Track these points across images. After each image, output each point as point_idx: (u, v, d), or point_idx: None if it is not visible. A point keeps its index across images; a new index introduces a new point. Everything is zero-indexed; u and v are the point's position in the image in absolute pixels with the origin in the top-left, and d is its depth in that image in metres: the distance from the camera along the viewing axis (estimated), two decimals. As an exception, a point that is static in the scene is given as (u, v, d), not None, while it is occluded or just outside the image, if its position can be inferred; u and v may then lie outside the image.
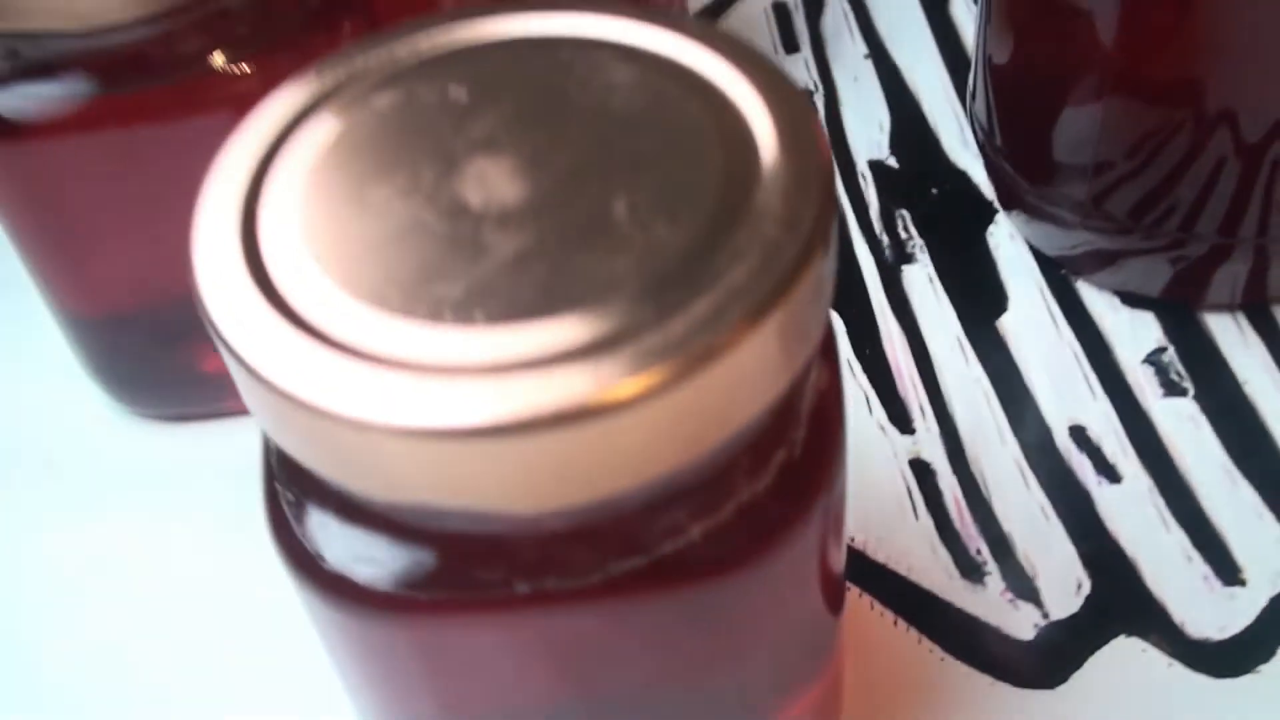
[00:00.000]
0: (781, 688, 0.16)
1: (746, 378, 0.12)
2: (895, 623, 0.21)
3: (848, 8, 0.32)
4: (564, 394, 0.11)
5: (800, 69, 0.30)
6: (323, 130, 0.14)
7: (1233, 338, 0.24)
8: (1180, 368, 0.24)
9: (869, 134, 0.29)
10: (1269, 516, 0.22)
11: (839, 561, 0.16)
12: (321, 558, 0.14)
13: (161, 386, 0.25)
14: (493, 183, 0.13)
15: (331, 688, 0.17)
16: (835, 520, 0.15)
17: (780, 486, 0.14)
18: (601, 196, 0.13)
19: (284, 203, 0.13)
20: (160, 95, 0.20)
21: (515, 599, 0.13)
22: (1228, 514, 0.22)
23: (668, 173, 0.13)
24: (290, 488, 0.14)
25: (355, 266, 0.12)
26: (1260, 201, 0.23)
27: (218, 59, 0.20)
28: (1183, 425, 0.23)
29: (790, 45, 0.31)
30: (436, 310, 0.12)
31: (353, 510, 0.13)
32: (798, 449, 0.14)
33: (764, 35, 0.31)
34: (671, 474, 0.12)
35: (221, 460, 0.23)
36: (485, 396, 0.11)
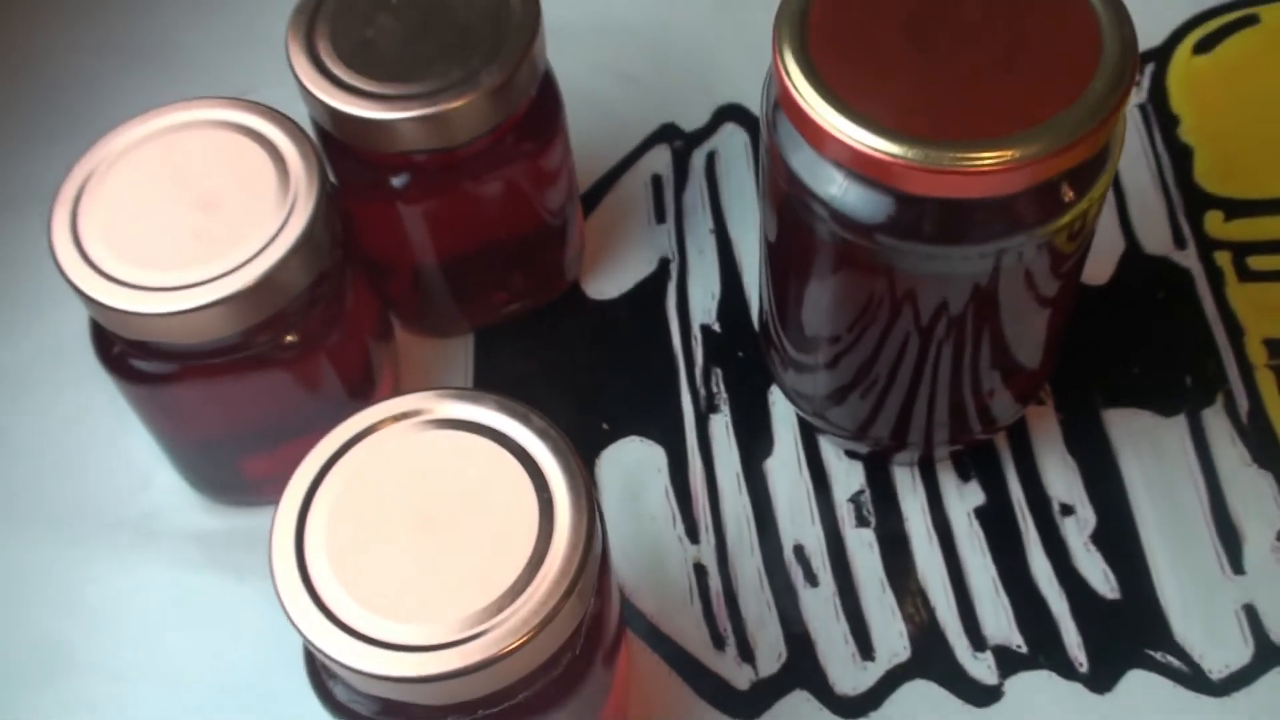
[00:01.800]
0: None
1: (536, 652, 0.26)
2: (669, 671, 0.35)
3: (704, 184, 0.44)
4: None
5: (664, 239, 0.43)
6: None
7: (906, 487, 0.38)
8: (870, 506, 0.38)
9: (704, 301, 0.42)
10: (899, 616, 0.36)
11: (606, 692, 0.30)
12: (338, 700, 0.28)
13: (218, 481, 0.39)
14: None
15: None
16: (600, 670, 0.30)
17: (573, 667, 0.28)
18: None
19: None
20: (234, 361, 0.33)
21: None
22: (875, 613, 0.36)
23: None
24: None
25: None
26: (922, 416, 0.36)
27: (283, 338, 0.33)
28: (862, 548, 0.37)
29: (660, 216, 0.44)
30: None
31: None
32: (578, 651, 0.28)
33: (644, 205, 0.44)
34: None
35: (251, 528, 0.37)
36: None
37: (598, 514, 0.28)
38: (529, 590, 0.26)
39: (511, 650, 0.26)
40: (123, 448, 0.39)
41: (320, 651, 0.26)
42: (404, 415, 0.29)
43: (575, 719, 0.30)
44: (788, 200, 0.32)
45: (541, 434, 0.28)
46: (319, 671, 0.29)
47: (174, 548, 0.38)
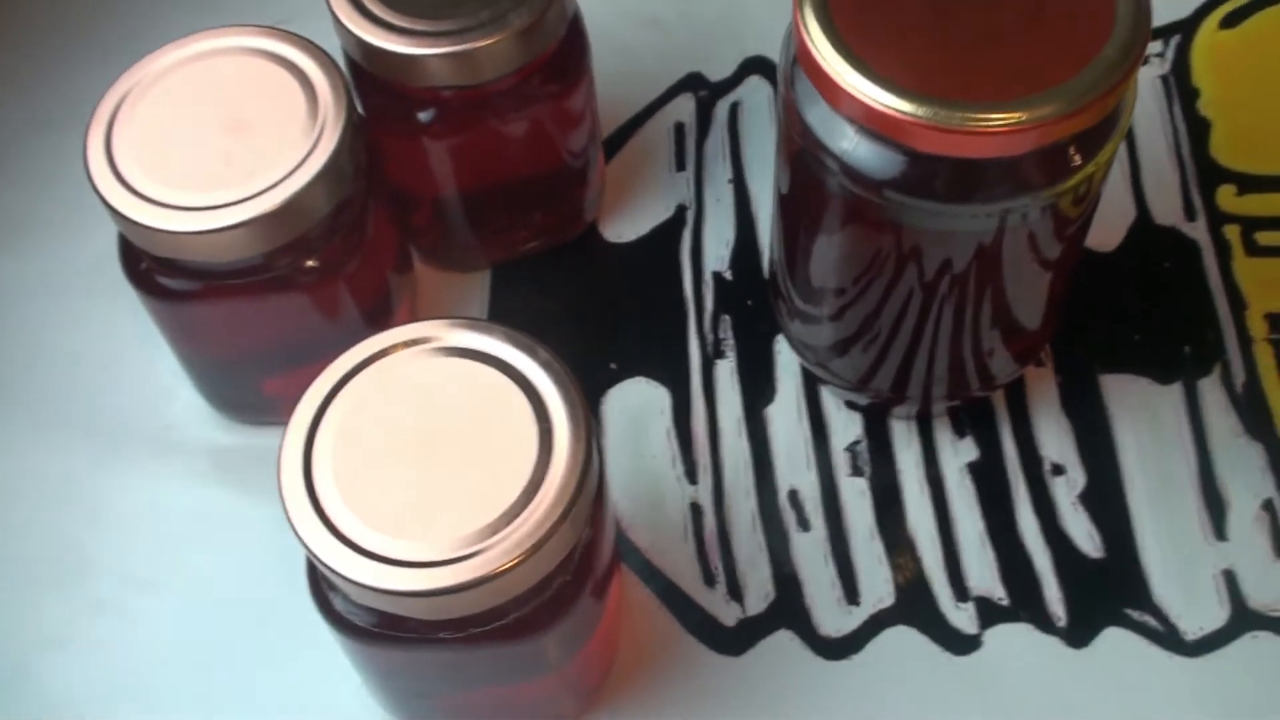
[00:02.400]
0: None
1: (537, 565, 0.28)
2: (660, 606, 0.37)
3: (726, 134, 0.45)
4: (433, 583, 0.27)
5: (683, 186, 0.44)
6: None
7: (902, 440, 0.39)
8: (866, 456, 0.39)
9: (718, 249, 0.42)
10: (886, 563, 0.37)
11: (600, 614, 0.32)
12: (336, 611, 0.29)
13: (236, 400, 0.40)
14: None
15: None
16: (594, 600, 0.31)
17: (562, 592, 0.29)
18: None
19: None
20: (256, 282, 0.34)
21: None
22: (863, 560, 0.37)
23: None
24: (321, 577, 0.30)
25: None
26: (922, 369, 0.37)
27: (304, 261, 0.34)
28: (854, 496, 0.38)
29: (680, 164, 0.44)
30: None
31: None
32: (569, 576, 0.29)
33: (665, 152, 0.45)
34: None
35: (267, 446, 0.38)
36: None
37: (595, 446, 0.29)
38: (525, 514, 0.28)
39: (504, 570, 0.27)
40: (148, 364, 0.41)
41: (321, 563, 0.27)
42: (413, 342, 0.30)
43: (563, 644, 0.31)
44: (801, 154, 0.33)
45: (545, 366, 0.29)
46: (320, 583, 0.30)
47: (191, 462, 0.39)
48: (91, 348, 0.41)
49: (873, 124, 0.30)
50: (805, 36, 0.31)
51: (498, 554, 0.27)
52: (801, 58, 0.31)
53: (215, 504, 0.39)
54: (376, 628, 0.29)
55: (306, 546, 0.28)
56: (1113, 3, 0.31)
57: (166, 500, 0.39)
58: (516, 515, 0.28)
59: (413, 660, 0.30)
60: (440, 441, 0.29)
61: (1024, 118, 0.29)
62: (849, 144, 0.31)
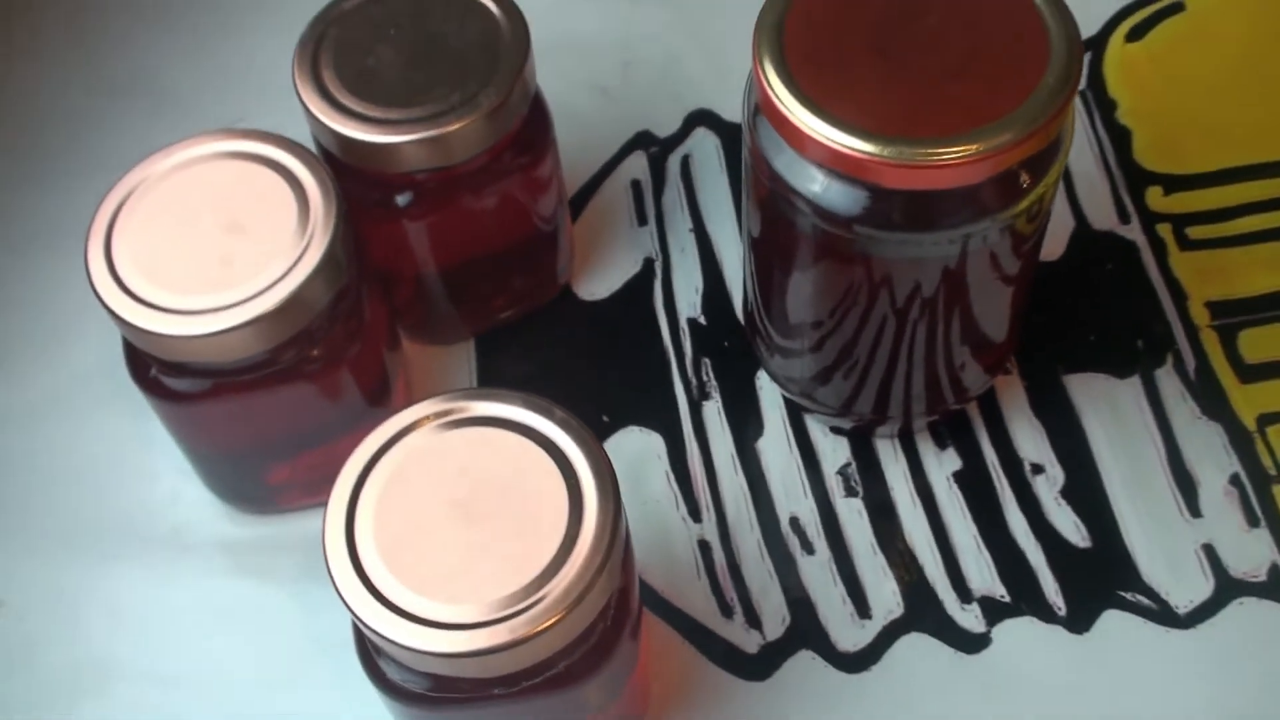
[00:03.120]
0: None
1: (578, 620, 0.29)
2: (683, 642, 0.38)
3: (681, 186, 0.47)
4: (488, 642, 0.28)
5: (647, 239, 0.46)
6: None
7: (889, 458, 0.41)
8: (857, 477, 0.41)
9: (689, 296, 0.44)
10: (890, 576, 0.39)
11: (633, 659, 0.33)
12: (390, 680, 0.31)
13: (244, 492, 0.41)
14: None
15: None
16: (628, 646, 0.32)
17: (604, 638, 0.31)
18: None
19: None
20: (263, 377, 0.35)
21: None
22: (869, 575, 0.39)
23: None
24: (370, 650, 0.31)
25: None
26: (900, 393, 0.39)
27: (309, 351, 0.35)
28: (852, 516, 0.40)
29: (642, 218, 0.46)
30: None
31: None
32: (609, 623, 0.31)
33: (626, 209, 0.46)
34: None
35: (276, 535, 0.39)
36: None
37: (619, 496, 0.31)
38: (564, 570, 0.29)
39: (552, 624, 0.29)
40: (150, 467, 0.42)
41: (375, 633, 0.29)
42: (438, 415, 0.31)
43: (608, 687, 0.32)
44: (771, 198, 0.35)
45: (564, 425, 0.31)
46: (370, 655, 0.31)
47: (203, 558, 0.40)
48: (92, 461, 0.42)
49: (840, 166, 0.32)
50: (767, 87, 0.33)
51: (543, 609, 0.29)
52: (765, 108, 0.33)
53: (231, 596, 0.39)
54: (431, 692, 0.30)
55: (358, 618, 0.29)
56: (1045, 34, 0.33)
57: (182, 597, 0.39)
58: (556, 571, 0.29)
59: (466, 718, 0.31)
60: (475, 507, 0.30)
61: (978, 148, 0.31)
62: (819, 186, 0.33)
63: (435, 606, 0.29)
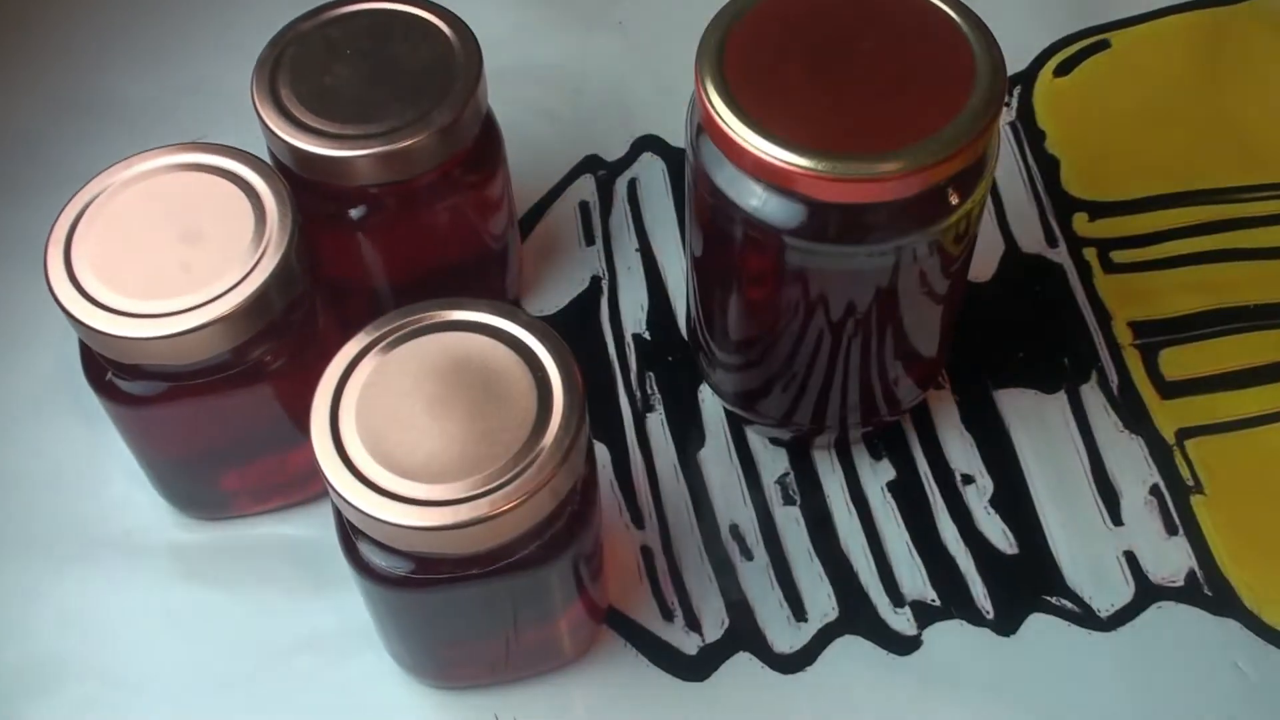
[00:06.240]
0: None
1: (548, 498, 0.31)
2: (625, 645, 0.39)
3: (627, 208, 0.48)
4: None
5: (594, 259, 0.47)
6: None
7: (826, 468, 0.42)
8: (795, 486, 0.42)
9: (634, 313, 0.46)
10: (827, 581, 0.40)
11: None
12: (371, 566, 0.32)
13: (196, 498, 0.42)
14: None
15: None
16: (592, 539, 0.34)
17: (571, 522, 0.32)
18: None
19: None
20: (217, 381, 0.36)
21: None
22: (805, 580, 0.40)
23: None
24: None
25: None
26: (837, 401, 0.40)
27: (263, 357, 0.36)
28: (790, 524, 0.41)
29: (590, 238, 0.48)
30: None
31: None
32: (575, 505, 0.32)
33: (574, 229, 0.48)
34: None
35: (227, 540, 0.40)
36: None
37: (584, 386, 0.32)
38: (535, 451, 0.31)
39: (524, 501, 0.30)
40: (102, 473, 0.42)
41: (359, 511, 0.30)
42: (412, 322, 0.33)
43: (572, 578, 0.35)
44: (713, 214, 0.36)
45: (528, 326, 0.33)
46: (354, 544, 0.33)
47: (156, 562, 0.41)
48: (46, 463, 0.43)
49: (777, 180, 0.34)
50: (708, 105, 0.34)
51: (518, 486, 0.30)
52: (707, 125, 0.35)
53: (184, 600, 0.40)
54: (414, 574, 0.32)
55: (347, 501, 0.30)
56: (971, 58, 0.35)
57: (136, 602, 0.40)
58: (529, 454, 0.31)
59: (444, 603, 0.33)
60: (450, 400, 0.32)
61: (908, 164, 0.33)
62: (757, 200, 0.35)
63: (417, 487, 0.30)
